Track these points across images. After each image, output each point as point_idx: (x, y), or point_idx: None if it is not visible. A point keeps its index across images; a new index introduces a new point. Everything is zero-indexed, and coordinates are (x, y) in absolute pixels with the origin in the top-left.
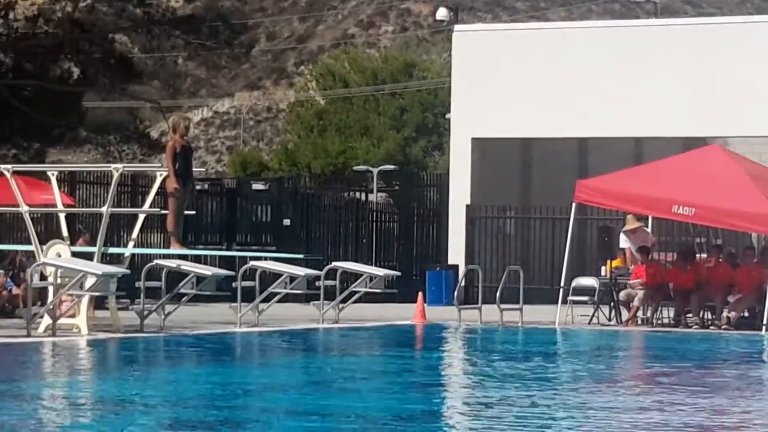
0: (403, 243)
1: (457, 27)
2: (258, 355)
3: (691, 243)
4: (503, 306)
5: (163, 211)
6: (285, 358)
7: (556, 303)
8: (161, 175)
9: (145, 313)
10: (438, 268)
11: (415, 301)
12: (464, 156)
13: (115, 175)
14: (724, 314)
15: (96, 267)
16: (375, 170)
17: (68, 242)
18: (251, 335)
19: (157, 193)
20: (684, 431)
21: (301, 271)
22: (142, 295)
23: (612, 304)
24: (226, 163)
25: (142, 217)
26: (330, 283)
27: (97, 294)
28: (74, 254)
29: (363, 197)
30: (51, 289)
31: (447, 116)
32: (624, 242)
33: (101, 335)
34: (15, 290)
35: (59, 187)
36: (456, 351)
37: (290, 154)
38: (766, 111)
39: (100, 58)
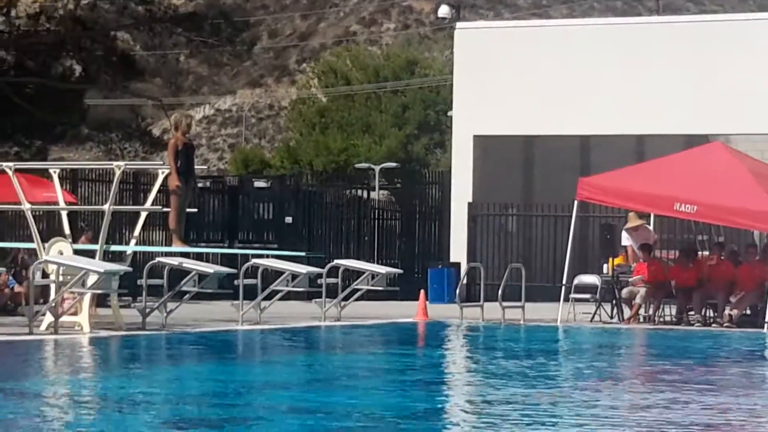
0: (405, 240)
1: (459, 24)
2: (260, 352)
3: (693, 240)
4: (505, 304)
5: (165, 209)
6: (287, 356)
7: (558, 301)
8: (163, 172)
9: (147, 310)
10: (440, 266)
11: (417, 299)
12: (466, 153)
13: (117, 172)
14: (726, 312)
15: (98, 265)
16: (377, 168)
17: (70, 240)
18: (253, 333)
19: (159, 191)
20: (691, 429)
21: (303, 268)
22: (144, 293)
23: (614, 301)
24: (228, 160)
25: (144, 214)
26: (332, 280)
27: (99, 292)
28: (76, 252)
29: (365, 195)
30: (53, 286)
31: (449, 114)
32: (626, 240)
33: (103, 333)
34: (17, 288)
35: (61, 185)
36: (458, 349)
37: (292, 152)
38: None
39: (102, 55)
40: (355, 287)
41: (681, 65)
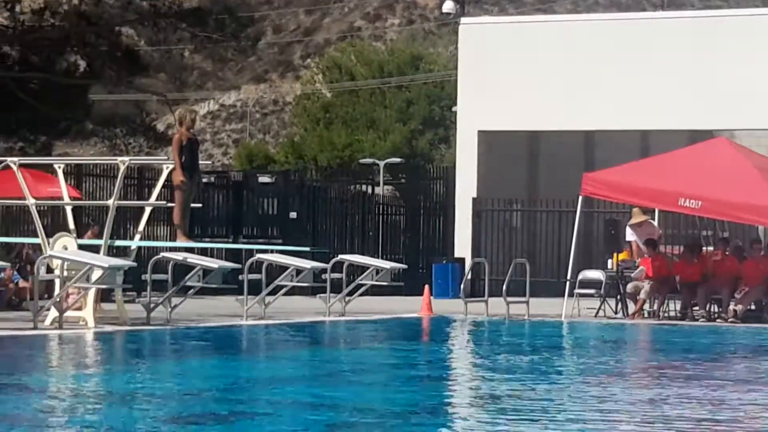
0: (410, 236)
1: (463, 20)
2: (264, 348)
3: (697, 236)
4: (510, 299)
5: (170, 204)
6: (291, 351)
7: (563, 296)
8: (167, 167)
9: (152, 305)
10: (444, 261)
11: (421, 294)
12: (471, 149)
13: (122, 167)
14: (731, 307)
15: (102, 260)
16: (381, 163)
17: (75, 235)
18: (257, 328)
19: (163, 186)
20: (696, 424)
21: (307, 263)
22: (148, 288)
23: (618, 297)
24: (232, 155)
25: (148, 209)
26: (336, 275)
27: (104, 287)
28: (81, 247)
29: (369, 190)
30: (57, 281)
31: (453, 109)
32: (630, 235)
33: (108, 328)
34: (22, 283)
35: (66, 180)
36: (463, 344)
37: (296, 147)
38: None
39: (107, 50)
40: (360, 282)
41: (685, 61)
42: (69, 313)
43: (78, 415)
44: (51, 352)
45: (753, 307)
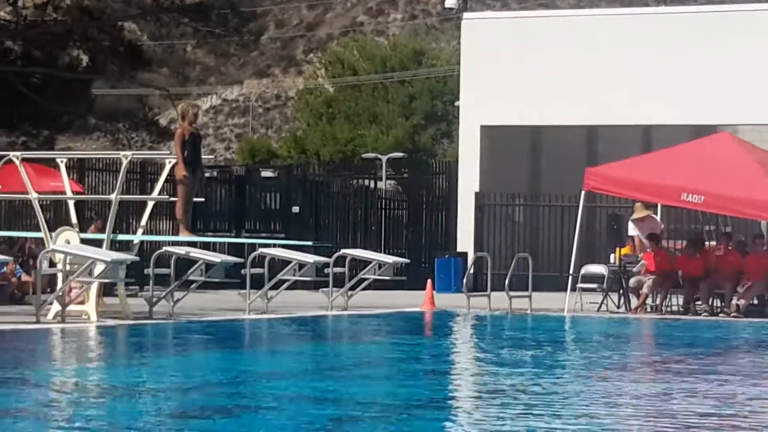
0: (412, 230)
1: (466, 15)
2: (267, 342)
3: (700, 231)
4: (512, 293)
5: (172, 198)
6: (294, 346)
7: (565, 290)
8: (170, 162)
9: (154, 300)
10: (447, 256)
11: (424, 289)
12: (473, 144)
13: (124, 162)
14: (734, 302)
15: (105, 254)
16: (384, 158)
17: (77, 229)
18: (260, 322)
19: (166, 181)
20: (699, 419)
21: (310, 258)
22: (151, 282)
23: (621, 291)
24: (235, 150)
25: (151, 204)
26: (339, 270)
27: (106, 281)
28: (83, 241)
29: (372, 185)
30: (60, 275)
31: (456, 104)
32: (633, 230)
33: (110, 322)
34: (24, 277)
35: (68, 174)
36: (465, 338)
37: (299, 142)
38: None
39: (109, 45)
40: (362, 277)
41: (688, 55)
42: (72, 307)
43: (81, 409)
44: (54, 347)
45: (755, 301)
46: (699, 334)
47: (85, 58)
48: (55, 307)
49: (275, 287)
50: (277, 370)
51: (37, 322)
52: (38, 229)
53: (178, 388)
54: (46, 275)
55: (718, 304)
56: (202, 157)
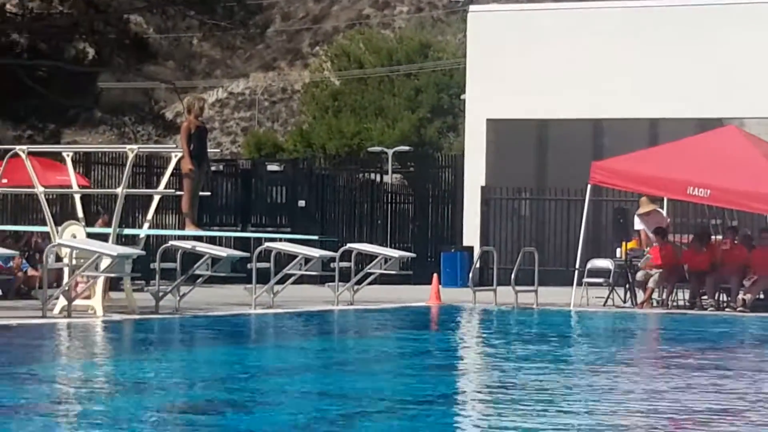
0: (418, 224)
1: (472, 7)
2: (273, 336)
3: (706, 224)
4: (518, 288)
5: (178, 192)
6: (300, 340)
7: (571, 285)
8: (176, 156)
9: (160, 294)
10: (453, 250)
11: (430, 283)
12: (479, 137)
13: (130, 156)
14: (740, 296)
15: (111, 248)
16: (390, 151)
17: (83, 223)
18: (266, 317)
19: (172, 174)
20: (706, 414)
21: (316, 252)
22: (157, 277)
23: (627, 286)
24: (241, 144)
25: (157, 198)
26: (345, 264)
27: (113, 275)
28: (89, 235)
29: (378, 178)
30: (66, 270)
31: (462, 97)
32: (638, 224)
33: (116, 317)
34: (30, 271)
35: (74, 168)
36: (471, 333)
37: (305, 135)
38: None
39: (115, 38)
40: (368, 271)
41: (695, 48)
42: (78, 302)
43: (88, 404)
44: (60, 341)
45: (762, 296)
46: (705, 329)
47: (91, 51)
48: (62, 301)
49: (281, 282)
50: (284, 365)
51: (44, 316)
52: (44, 224)
53: (186, 383)
54: (52, 270)
55: (725, 299)
56: (208, 150)
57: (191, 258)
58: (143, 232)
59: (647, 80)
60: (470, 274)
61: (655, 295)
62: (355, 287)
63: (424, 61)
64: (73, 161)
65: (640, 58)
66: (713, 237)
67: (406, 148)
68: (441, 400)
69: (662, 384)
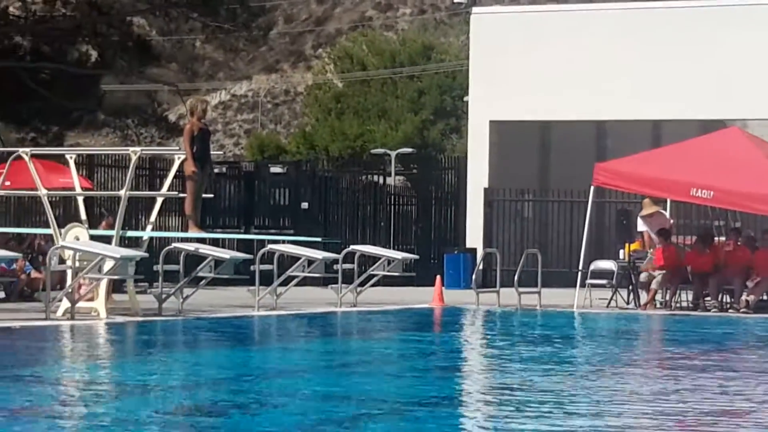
0: (421, 226)
1: (475, 9)
2: (276, 338)
3: (709, 226)
4: (521, 289)
5: (181, 195)
6: (303, 342)
7: (575, 286)
8: (179, 158)
9: (164, 296)
10: (456, 252)
11: (433, 285)
12: (482, 139)
13: (133, 158)
14: (743, 297)
15: (114, 250)
16: (393, 153)
17: (86, 225)
18: (269, 319)
19: (175, 177)
20: (708, 416)
21: (319, 254)
22: (160, 279)
23: (630, 287)
24: (243, 146)
25: (160, 200)
26: (348, 266)
27: (116, 277)
28: (92, 237)
29: (381, 180)
30: (69, 272)
31: (465, 99)
32: (641, 226)
33: (119, 319)
34: (34, 274)
35: (77, 171)
36: (474, 335)
37: (308, 137)
38: None
39: (118, 40)
40: (371, 273)
41: (697, 50)
42: (81, 304)
43: (92, 406)
44: (63, 343)
45: (765, 297)
46: (709, 330)
47: (94, 54)
48: (65, 303)
49: (284, 283)
50: (288, 367)
51: (47, 318)
52: (47, 226)
53: (189, 385)
54: (55, 272)
55: (728, 300)
56: (211, 153)
57: (194, 260)
58: (146, 234)
59: (650, 82)
60: (473, 276)
61: (658, 297)
62: (358, 289)
63: (427, 63)
64: (76, 163)
65: (643, 59)
66: (716, 238)
67: (409, 150)
68: (446, 402)
69: (667, 385)
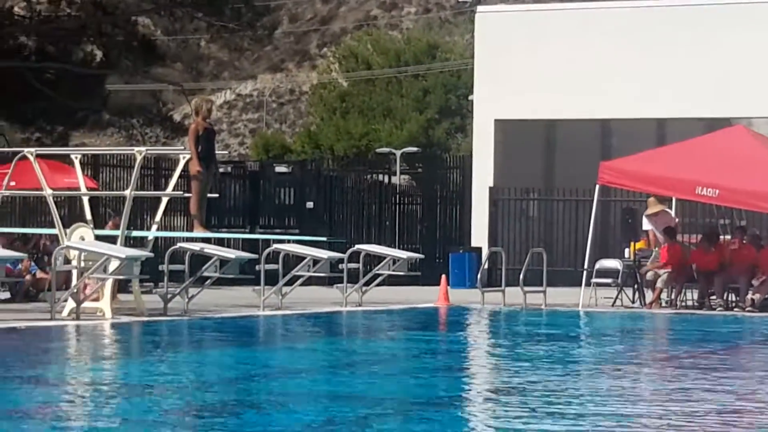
0: (426, 225)
1: (479, 8)
2: (282, 338)
3: (715, 224)
4: (526, 288)
5: (186, 194)
6: (309, 342)
7: (580, 285)
8: (184, 158)
9: (169, 296)
10: (461, 251)
11: (438, 284)
12: (487, 138)
13: (138, 158)
14: (749, 296)
15: (119, 250)
16: (398, 152)
17: (92, 225)
18: (274, 318)
19: (180, 176)
20: (715, 415)
21: (324, 253)
22: (165, 279)
23: (635, 286)
24: (248, 145)
25: (165, 200)
26: (353, 265)
27: (121, 277)
28: (98, 237)
29: (386, 179)
30: (75, 272)
31: (470, 98)
32: (647, 225)
33: (125, 319)
34: (39, 274)
35: (82, 171)
36: (480, 334)
37: (313, 137)
38: None
39: (123, 40)
40: (377, 272)
41: (702, 48)
42: (86, 304)
43: (98, 406)
44: (68, 344)
45: None
46: (715, 329)
47: (99, 54)
48: (70, 304)
49: (289, 283)
50: (294, 367)
51: (52, 319)
52: (53, 226)
53: (196, 384)
54: (61, 272)
55: (733, 299)
56: (216, 152)
57: (200, 260)
58: (152, 234)
59: (655, 80)
60: (478, 275)
61: (663, 296)
62: (364, 288)
63: (432, 62)
64: (82, 163)
65: (648, 57)
66: (722, 237)
67: (414, 149)
68: (454, 402)
69: (673, 384)
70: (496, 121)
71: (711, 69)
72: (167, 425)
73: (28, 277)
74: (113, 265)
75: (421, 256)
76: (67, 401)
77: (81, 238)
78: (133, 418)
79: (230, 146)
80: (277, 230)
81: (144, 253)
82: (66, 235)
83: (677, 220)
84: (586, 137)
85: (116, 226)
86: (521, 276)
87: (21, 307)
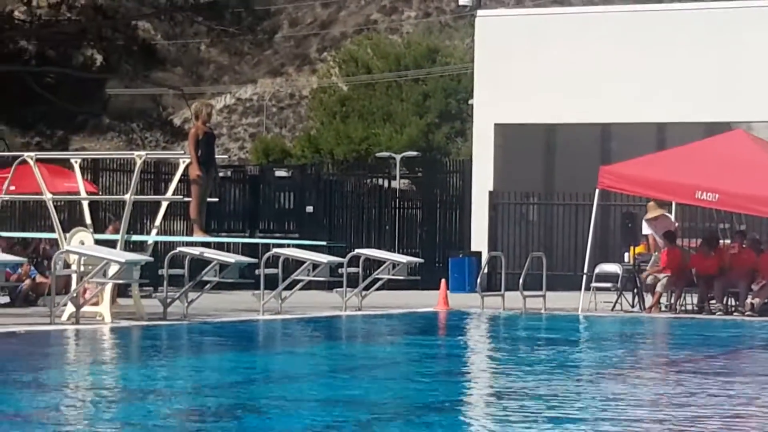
0: (426, 230)
1: (479, 12)
2: (281, 343)
3: (714, 229)
4: (526, 293)
5: (186, 199)
6: (308, 346)
7: (580, 289)
8: (184, 162)
9: (168, 300)
10: (461, 255)
11: (437, 288)
12: (487, 142)
13: (138, 162)
14: (748, 300)
15: (119, 255)
16: (398, 157)
17: (91, 230)
18: (274, 323)
19: (180, 181)
20: (716, 420)
21: (323, 258)
22: (165, 283)
23: (635, 290)
24: (248, 150)
25: (165, 204)
26: (353, 270)
27: (121, 282)
28: (97, 242)
29: (386, 184)
30: (74, 277)
31: (470, 102)
32: (646, 229)
33: (124, 323)
34: (39, 278)
35: (82, 175)
36: (479, 338)
37: (313, 141)
38: None
39: (123, 45)
40: (376, 277)
41: (702, 52)
42: (86, 309)
43: (98, 410)
44: (68, 348)
45: None
46: (714, 334)
47: (99, 58)
48: (70, 308)
49: (289, 287)
50: (293, 371)
51: (52, 323)
52: (52, 230)
53: (195, 389)
54: (60, 276)
55: (733, 303)
56: (216, 156)
57: (199, 264)
58: (151, 238)
59: (654, 84)
60: (478, 279)
61: (663, 300)
62: (363, 293)
63: (432, 66)
64: (81, 168)
65: (648, 62)
66: (721, 241)
67: (414, 153)
68: (454, 406)
69: (672, 389)
70: (496, 125)
71: (711, 73)
72: (167, 429)
73: (28, 281)
74: (113, 269)
75: (421, 260)
76: (67, 406)
77: (81, 242)
78: (133, 422)
79: (230, 150)
80: (277, 234)
81: (144, 257)
82: (66, 239)
83: (677, 224)
84: (586, 141)
85: (116, 231)
86: (521, 280)
87: (21, 312)
